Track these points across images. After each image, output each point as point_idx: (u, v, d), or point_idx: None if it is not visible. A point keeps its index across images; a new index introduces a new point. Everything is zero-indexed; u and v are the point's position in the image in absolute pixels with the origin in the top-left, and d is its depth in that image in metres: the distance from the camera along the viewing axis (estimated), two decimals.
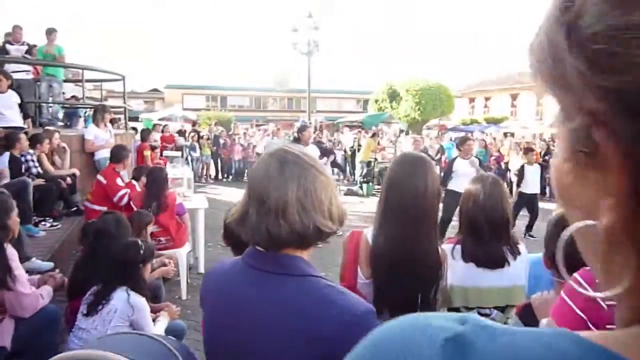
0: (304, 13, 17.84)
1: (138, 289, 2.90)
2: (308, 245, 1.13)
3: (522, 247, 2.14)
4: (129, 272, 2.91)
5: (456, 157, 7.93)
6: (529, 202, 8.53)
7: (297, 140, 7.98)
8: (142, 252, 3.09)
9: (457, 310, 2.08)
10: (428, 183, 1.89)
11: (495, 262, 2.06)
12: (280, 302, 1.07)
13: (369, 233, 1.94)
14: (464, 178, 6.87)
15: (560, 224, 1.67)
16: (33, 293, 2.69)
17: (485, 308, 2.09)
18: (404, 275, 1.84)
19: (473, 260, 2.06)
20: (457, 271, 2.06)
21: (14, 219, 2.78)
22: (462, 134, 27.22)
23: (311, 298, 1.06)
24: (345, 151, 16.53)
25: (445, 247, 2.09)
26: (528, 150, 9.57)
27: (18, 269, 2.63)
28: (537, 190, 8.92)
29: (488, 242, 2.05)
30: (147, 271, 3.20)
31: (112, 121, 8.42)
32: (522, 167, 8.90)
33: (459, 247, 2.09)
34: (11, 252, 2.62)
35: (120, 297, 2.79)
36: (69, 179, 6.24)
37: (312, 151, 7.78)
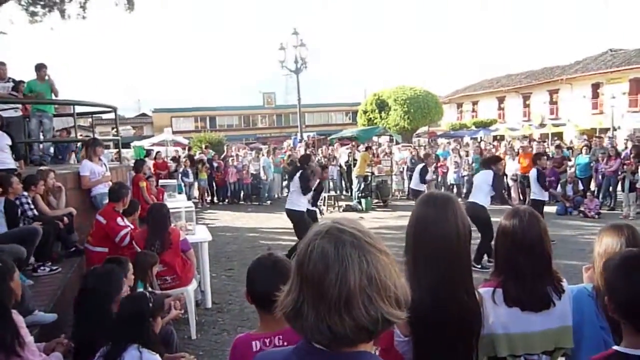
0: (290, 30, 17.85)
1: (150, 345, 2.73)
2: (374, 338, 1.00)
3: (565, 283, 2.02)
4: (139, 328, 2.74)
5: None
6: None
7: (303, 169, 7.46)
8: (151, 304, 2.93)
9: (502, 359, 1.95)
10: (459, 224, 1.78)
11: (541, 304, 1.93)
12: None
13: None
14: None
15: (629, 264, 1.55)
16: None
17: (533, 354, 1.96)
18: (445, 329, 1.72)
19: (517, 304, 1.93)
20: (500, 317, 1.92)
21: (16, 280, 2.63)
22: (453, 140, 27.34)
23: None
24: (340, 166, 16.43)
25: (483, 290, 1.96)
26: (541, 155, 9.36)
27: (27, 335, 2.48)
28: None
29: (531, 283, 1.93)
30: (158, 325, 3.04)
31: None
32: (540, 172, 8.59)
33: (500, 290, 1.96)
34: (18, 319, 2.46)
35: (133, 356, 2.61)
36: (65, 219, 6.07)
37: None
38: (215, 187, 16.02)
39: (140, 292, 3.29)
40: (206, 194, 15.83)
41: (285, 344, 1.69)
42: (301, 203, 7.48)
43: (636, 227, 2.10)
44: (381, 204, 14.27)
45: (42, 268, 5.29)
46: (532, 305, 1.93)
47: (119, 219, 5.15)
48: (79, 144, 10.40)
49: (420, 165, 11.48)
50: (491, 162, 7.99)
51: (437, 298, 1.73)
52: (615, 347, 1.59)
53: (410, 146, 20.91)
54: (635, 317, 1.51)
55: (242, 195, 16.18)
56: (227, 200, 15.93)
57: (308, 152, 15.40)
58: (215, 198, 16.07)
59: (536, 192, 8.58)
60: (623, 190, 11.67)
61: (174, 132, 29.86)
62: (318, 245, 0.97)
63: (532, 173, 8.77)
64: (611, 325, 1.88)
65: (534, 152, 14.56)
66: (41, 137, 8.76)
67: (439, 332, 1.73)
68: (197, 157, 16.40)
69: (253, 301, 1.86)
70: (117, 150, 10.27)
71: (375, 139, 23.43)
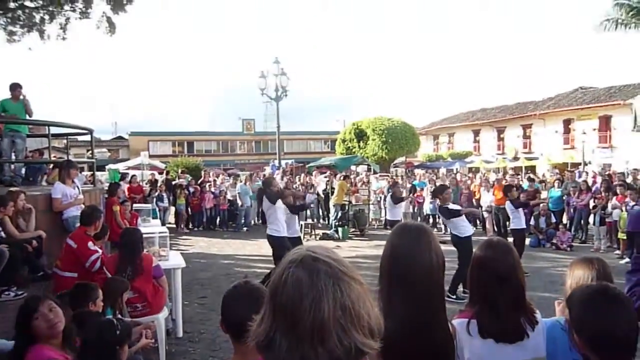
0: (272, 58, 18.05)
1: None
2: None
3: (538, 315, 2.04)
4: (105, 356, 2.65)
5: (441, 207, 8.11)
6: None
7: (269, 194, 7.50)
8: (118, 332, 2.82)
9: None
10: (432, 255, 1.79)
11: (515, 335, 1.94)
12: None
13: None
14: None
15: (593, 298, 1.58)
16: None
17: None
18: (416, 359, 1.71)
19: (491, 335, 1.93)
20: (475, 349, 1.92)
21: None
22: (430, 171, 27.72)
23: None
24: (318, 194, 16.44)
25: (458, 322, 1.96)
26: (510, 187, 9.89)
27: None
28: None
29: (505, 314, 1.94)
30: (124, 353, 2.93)
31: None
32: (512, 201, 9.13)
33: (474, 321, 1.96)
34: None
35: None
36: (34, 242, 5.89)
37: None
38: (191, 212, 15.83)
39: (107, 319, 3.17)
40: (182, 220, 15.61)
41: None
42: (280, 227, 7.41)
43: (606, 260, 2.14)
44: (358, 232, 14.28)
45: (6, 293, 5.10)
46: (506, 336, 1.94)
47: (90, 243, 5.03)
48: (50, 166, 10.22)
49: (389, 195, 11.72)
50: (436, 193, 8.48)
51: (409, 328, 1.72)
52: None
53: (388, 176, 21.09)
54: (601, 350, 1.53)
55: (218, 221, 16.00)
56: (202, 226, 15.73)
57: (285, 179, 15.43)
58: (190, 224, 15.85)
59: (515, 222, 8.93)
60: (594, 224, 11.95)
61: (150, 156, 29.57)
62: (292, 274, 0.95)
63: (508, 205, 9.22)
64: (584, 357, 1.90)
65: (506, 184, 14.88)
66: (12, 157, 8.57)
67: None
68: (176, 181, 16.23)
69: (227, 330, 1.81)
70: (92, 173, 10.09)
71: (353, 167, 23.62)
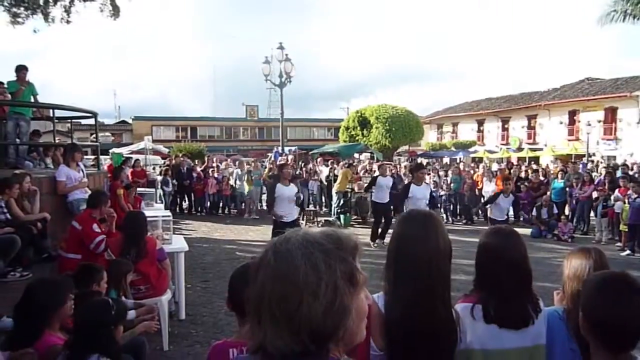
0: (276, 44, 17.94)
1: (112, 354, 2.64)
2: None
3: (541, 303, 2.07)
4: (99, 336, 2.64)
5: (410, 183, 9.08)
6: None
7: (276, 177, 8.01)
8: (113, 312, 2.83)
9: None
10: (440, 242, 1.81)
11: (521, 321, 1.97)
12: None
13: (379, 299, 1.83)
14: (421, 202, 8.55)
15: (607, 284, 1.58)
16: None
17: None
18: (420, 346, 1.74)
19: (496, 321, 1.96)
20: (478, 333, 1.95)
21: None
22: (433, 160, 27.68)
23: None
24: (321, 182, 16.46)
25: (461, 307, 1.99)
26: (507, 179, 10.09)
27: None
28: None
29: (513, 300, 1.97)
30: (119, 333, 2.96)
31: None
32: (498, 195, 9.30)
33: (479, 306, 1.99)
34: None
35: None
36: (39, 224, 5.94)
37: (292, 191, 7.77)
38: (193, 197, 15.90)
39: (101, 299, 3.20)
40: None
41: None
42: (280, 212, 7.77)
43: (607, 252, 2.16)
44: (360, 220, 14.32)
45: (12, 273, 5.16)
46: (510, 322, 1.96)
47: (94, 226, 5.07)
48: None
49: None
50: (412, 170, 9.47)
51: (415, 314, 1.75)
52: None
53: (391, 164, 21.09)
54: (608, 335, 1.55)
55: (221, 206, 16.07)
56: (205, 212, 15.80)
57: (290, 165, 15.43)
58: (193, 209, 15.93)
59: (496, 214, 9.29)
60: (596, 216, 11.96)
61: (154, 141, 29.58)
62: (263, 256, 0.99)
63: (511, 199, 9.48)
64: (580, 347, 1.93)
65: (508, 175, 14.90)
66: (17, 141, 8.59)
67: (414, 347, 1.75)
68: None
69: (233, 308, 1.86)
70: (96, 156, 10.12)
71: (356, 155, 23.61)
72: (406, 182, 11.31)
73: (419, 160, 29.85)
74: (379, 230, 10.29)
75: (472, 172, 16.36)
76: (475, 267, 2.10)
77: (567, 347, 2.00)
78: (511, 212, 14.14)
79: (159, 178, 15.49)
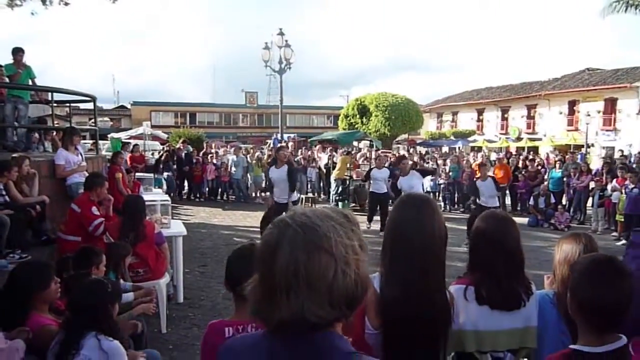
0: (276, 30, 17.81)
1: (109, 331, 2.68)
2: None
3: (533, 286, 2.11)
4: (96, 315, 2.68)
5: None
6: None
7: (273, 160, 8.23)
8: (108, 290, 2.87)
9: (469, 354, 2.02)
10: (435, 226, 1.84)
11: (512, 303, 2.01)
12: None
13: (375, 279, 1.86)
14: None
15: (595, 267, 1.62)
16: (9, 347, 2.50)
17: (499, 352, 2.03)
18: (414, 326, 1.77)
19: (488, 302, 2.00)
20: (470, 314, 2.00)
21: None
22: (432, 149, 27.67)
23: None
24: (319, 169, 16.48)
25: (455, 288, 2.03)
26: (482, 164, 11.05)
27: None
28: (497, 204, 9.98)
29: (506, 283, 2.01)
30: (115, 312, 3.01)
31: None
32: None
33: (472, 288, 2.03)
34: None
35: (91, 344, 2.55)
36: (37, 207, 5.96)
37: (282, 172, 7.88)
38: (192, 183, 15.91)
39: (97, 278, 3.24)
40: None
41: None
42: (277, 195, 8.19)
43: (603, 241, 2.19)
44: (358, 207, 14.36)
45: (11, 255, 5.18)
46: (502, 304, 2.00)
47: (93, 208, 5.10)
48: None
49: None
50: (394, 164, 10.42)
51: (410, 295, 1.78)
52: (571, 346, 1.67)
53: (390, 152, 21.09)
54: (593, 315, 1.59)
55: (219, 192, 16.10)
56: (203, 198, 15.83)
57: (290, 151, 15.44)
58: (191, 194, 15.95)
59: (482, 200, 10.16)
60: (593, 206, 12.02)
61: (152, 126, 29.49)
62: (267, 234, 1.01)
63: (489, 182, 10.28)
64: (570, 329, 1.97)
65: (510, 164, 14.94)
66: (16, 124, 8.58)
67: (408, 327, 1.78)
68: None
69: (230, 288, 1.89)
70: (94, 141, 10.11)
71: (355, 143, 23.58)
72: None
73: (418, 149, 29.84)
74: (373, 217, 10.65)
75: (471, 160, 16.39)
76: (470, 251, 2.13)
77: (557, 329, 2.04)
78: (508, 202, 14.38)
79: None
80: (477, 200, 10.65)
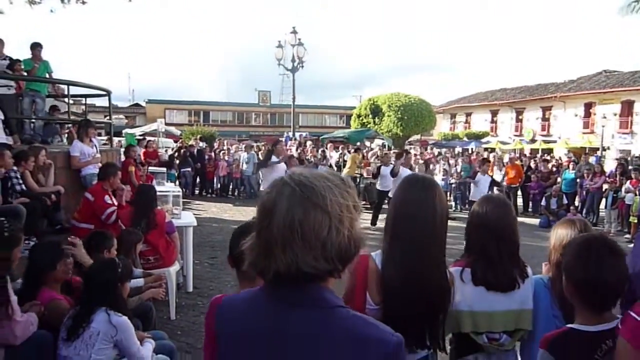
0: (289, 29, 17.92)
1: (118, 308, 2.84)
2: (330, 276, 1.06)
3: (529, 269, 2.14)
4: (107, 292, 2.84)
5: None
6: None
7: (270, 152, 8.51)
8: (120, 269, 3.03)
9: (466, 335, 2.06)
10: (437, 207, 1.87)
11: (507, 285, 2.04)
12: (310, 337, 1.03)
13: (377, 256, 1.91)
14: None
15: (587, 246, 1.65)
16: (25, 320, 2.61)
17: (495, 333, 2.07)
18: (414, 303, 1.81)
19: (484, 284, 2.04)
20: (466, 295, 2.03)
21: (19, 249, 2.77)
22: (445, 150, 27.55)
23: (342, 332, 1.03)
24: (330, 166, 16.53)
25: (453, 270, 2.06)
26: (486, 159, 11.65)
27: (12, 295, 2.58)
28: None
29: (500, 265, 2.04)
30: (125, 291, 3.13)
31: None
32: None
33: (468, 270, 2.07)
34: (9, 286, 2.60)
35: (101, 318, 2.72)
36: (53, 196, 6.09)
37: (281, 168, 7.97)
38: (203, 179, 16.07)
39: (109, 258, 3.37)
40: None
41: None
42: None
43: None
44: (368, 206, 14.37)
45: (26, 242, 5.30)
46: (497, 285, 2.04)
47: (106, 197, 5.21)
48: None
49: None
50: (397, 156, 10.53)
51: (411, 274, 1.81)
52: (568, 325, 1.70)
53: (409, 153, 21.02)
54: (588, 294, 1.62)
55: (230, 188, 16.24)
56: (215, 194, 15.98)
57: (298, 152, 15.54)
58: (203, 191, 16.11)
59: (475, 195, 10.14)
60: (606, 207, 11.91)
61: (166, 124, 29.76)
62: (266, 193, 1.08)
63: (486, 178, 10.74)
64: (563, 313, 2.00)
65: (522, 165, 14.86)
66: (33, 116, 8.76)
67: (409, 305, 1.81)
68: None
69: (234, 264, 1.94)
70: (109, 136, 10.27)
71: (367, 143, 23.59)
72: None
73: (430, 149, 29.74)
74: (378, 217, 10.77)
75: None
76: (466, 234, 2.17)
77: (551, 313, 2.07)
78: (520, 202, 14.28)
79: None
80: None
